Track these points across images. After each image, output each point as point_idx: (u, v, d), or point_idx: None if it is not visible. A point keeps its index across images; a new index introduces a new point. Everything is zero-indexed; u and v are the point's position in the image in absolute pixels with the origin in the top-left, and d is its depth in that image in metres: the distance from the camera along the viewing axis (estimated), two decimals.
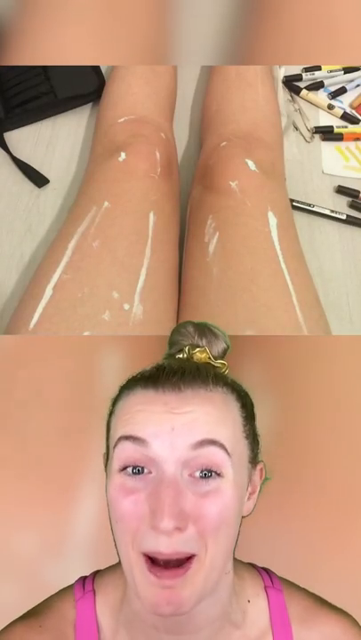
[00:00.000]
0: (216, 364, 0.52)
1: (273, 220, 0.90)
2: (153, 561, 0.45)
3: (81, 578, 0.56)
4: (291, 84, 1.30)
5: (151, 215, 0.90)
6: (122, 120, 1.04)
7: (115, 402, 0.51)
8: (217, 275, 0.86)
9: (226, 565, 0.47)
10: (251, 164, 0.95)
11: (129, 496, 0.45)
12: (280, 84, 1.23)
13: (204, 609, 0.47)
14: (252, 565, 0.57)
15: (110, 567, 0.55)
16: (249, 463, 0.50)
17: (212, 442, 0.45)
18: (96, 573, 0.56)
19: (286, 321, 0.80)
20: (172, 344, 0.54)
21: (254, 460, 0.51)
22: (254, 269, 0.85)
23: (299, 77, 1.31)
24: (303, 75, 1.31)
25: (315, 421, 0.68)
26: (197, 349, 0.52)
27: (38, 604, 0.54)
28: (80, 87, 1.21)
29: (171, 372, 0.48)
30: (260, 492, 0.52)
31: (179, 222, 0.99)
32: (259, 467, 0.52)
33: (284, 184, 1.02)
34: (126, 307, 0.81)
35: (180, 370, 0.48)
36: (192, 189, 1.03)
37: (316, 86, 1.30)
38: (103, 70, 1.24)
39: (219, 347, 0.53)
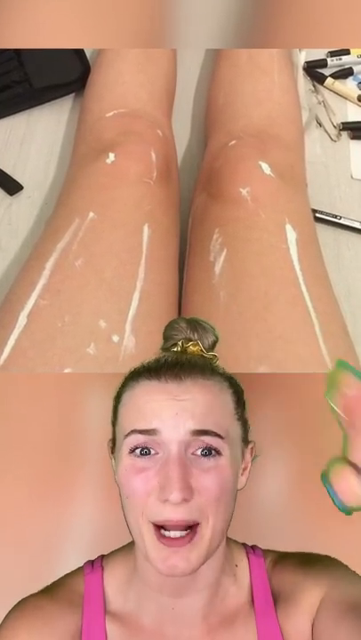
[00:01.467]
0: (208, 356, 0.67)
1: (292, 235, 0.92)
2: (162, 528, 0.59)
3: (89, 561, 0.71)
4: (313, 71, 1.34)
5: (145, 228, 0.93)
6: (110, 114, 1.07)
7: (121, 389, 0.65)
8: (224, 300, 0.88)
9: (226, 532, 0.63)
10: (265, 167, 0.98)
11: (139, 474, 0.60)
12: (300, 72, 1.26)
13: (203, 571, 0.63)
14: (242, 544, 0.73)
15: (117, 550, 0.71)
16: (242, 442, 0.65)
17: (207, 432, 0.59)
18: (103, 556, 0.71)
19: (307, 355, 0.82)
20: (167, 338, 0.68)
21: (246, 439, 0.66)
22: (269, 294, 0.87)
23: (323, 63, 1.34)
24: (328, 60, 1.34)
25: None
26: (190, 343, 0.67)
27: (49, 584, 0.69)
28: (60, 75, 1.24)
29: (172, 363, 0.63)
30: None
31: (178, 237, 1.02)
32: (250, 446, 0.67)
33: (305, 191, 1.05)
34: (115, 338, 0.83)
35: (179, 362, 0.63)
36: (194, 197, 1.05)
37: (344, 74, 1.33)
38: (88, 55, 1.28)
39: (209, 339, 0.68)
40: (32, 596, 0.69)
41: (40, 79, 1.23)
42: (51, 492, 0.84)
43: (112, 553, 0.72)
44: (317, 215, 1.13)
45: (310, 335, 0.85)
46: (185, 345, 0.67)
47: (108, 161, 0.98)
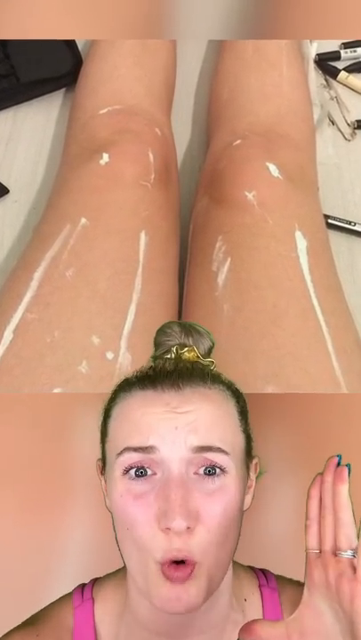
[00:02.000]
0: (205, 363, 0.67)
1: (302, 243, 0.93)
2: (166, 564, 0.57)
3: (79, 585, 0.69)
4: (326, 64, 1.34)
5: (142, 235, 0.93)
6: (104, 111, 1.08)
7: (110, 404, 0.64)
8: (228, 314, 0.88)
9: (230, 562, 0.62)
10: (273, 168, 0.98)
11: (137, 500, 0.58)
12: (311, 65, 1.27)
13: (206, 610, 0.61)
14: (250, 568, 0.71)
15: (109, 574, 0.70)
16: (246, 457, 0.64)
17: (211, 448, 0.58)
18: (95, 581, 0.70)
19: (319, 374, 0.82)
20: (158, 345, 0.69)
21: (250, 454, 0.65)
22: (277, 307, 0.87)
23: (336, 56, 1.35)
24: (342, 52, 1.35)
25: (354, 501, 0.71)
26: (185, 349, 0.67)
27: (36, 613, 0.67)
28: (50, 68, 1.25)
29: (168, 371, 0.62)
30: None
31: (178, 245, 1.02)
32: (254, 461, 0.66)
33: (316, 195, 1.05)
34: (110, 355, 0.83)
35: (177, 368, 0.62)
36: (196, 202, 1.05)
37: (359, 67, 1.33)
38: (80, 46, 1.28)
39: (205, 345, 0.69)
40: (16, 630, 0.66)
41: (28, 73, 1.23)
42: (38, 522, 0.84)
43: (103, 580, 0.71)
44: (330, 221, 1.13)
45: (322, 352, 0.85)
46: (179, 351, 0.67)
47: (102, 162, 0.98)
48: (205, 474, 0.58)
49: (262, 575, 0.70)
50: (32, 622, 0.67)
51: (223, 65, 1.21)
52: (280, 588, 0.69)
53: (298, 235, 0.93)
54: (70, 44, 1.26)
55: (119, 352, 0.83)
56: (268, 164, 0.98)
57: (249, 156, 1.00)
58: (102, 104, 1.09)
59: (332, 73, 1.33)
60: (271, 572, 0.71)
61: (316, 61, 1.33)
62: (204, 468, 0.58)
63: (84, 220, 0.92)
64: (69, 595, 0.70)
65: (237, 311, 0.87)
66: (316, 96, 1.26)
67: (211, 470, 0.58)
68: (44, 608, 0.69)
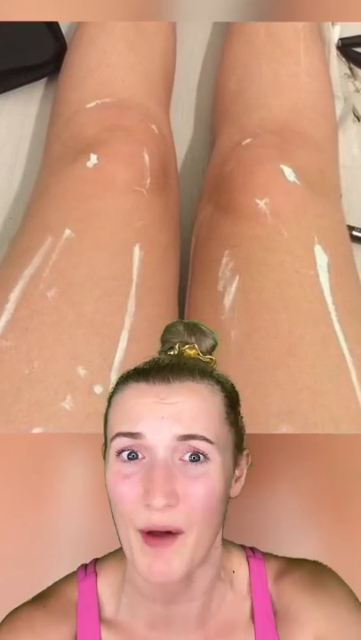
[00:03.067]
0: (204, 359, 0.73)
1: (322, 258, 0.94)
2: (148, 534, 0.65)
3: (83, 564, 0.79)
4: (350, 50, 1.36)
5: (136, 250, 0.94)
6: (92, 104, 1.09)
7: (111, 395, 0.71)
8: (237, 341, 0.89)
9: (214, 541, 0.70)
10: (288, 171, 0.99)
11: (125, 480, 0.66)
12: (333, 51, 1.29)
13: (196, 579, 0.70)
14: (242, 545, 0.80)
15: (110, 553, 0.78)
16: (235, 449, 0.71)
17: (194, 436, 0.66)
18: (97, 560, 0.79)
19: (341, 411, 0.83)
20: (164, 342, 0.75)
21: (240, 446, 0.72)
22: (293, 333, 0.88)
23: None
24: None
25: None
26: (187, 346, 0.73)
27: (42, 590, 0.77)
28: (29, 55, 1.26)
29: (161, 365, 0.69)
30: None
31: (178, 260, 1.03)
32: (245, 452, 0.73)
33: (338, 203, 1.07)
34: (98, 389, 0.84)
35: (169, 364, 0.69)
36: (199, 211, 1.07)
37: None
38: (64, 30, 1.30)
39: (207, 343, 0.75)
40: (24, 606, 0.76)
41: (3, 60, 1.25)
42: (21, 577, 0.85)
43: (105, 557, 0.79)
44: (354, 233, 1.15)
45: (345, 385, 0.85)
46: (181, 348, 0.73)
47: (90, 164, 0.99)
48: (190, 460, 0.66)
49: (250, 550, 0.79)
50: (39, 597, 0.76)
51: (230, 51, 1.23)
52: (266, 561, 0.78)
53: (317, 249, 0.94)
54: (53, 28, 1.28)
55: (109, 385, 0.83)
56: (282, 166, 0.99)
57: (260, 157, 1.01)
58: (90, 96, 1.10)
59: (357, 60, 1.34)
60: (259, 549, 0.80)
61: (338, 47, 1.34)
62: (189, 454, 0.66)
63: (68, 232, 0.93)
64: (73, 573, 0.78)
65: (247, 338, 0.88)
66: (339, 87, 1.28)
67: (195, 457, 0.66)
68: (50, 586, 0.78)
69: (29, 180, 1.16)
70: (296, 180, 0.99)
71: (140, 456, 0.66)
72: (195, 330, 0.75)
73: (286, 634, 0.74)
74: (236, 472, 0.72)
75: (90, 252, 0.92)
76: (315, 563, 0.79)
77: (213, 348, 0.75)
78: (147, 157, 1.01)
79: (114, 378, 0.85)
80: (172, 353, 0.73)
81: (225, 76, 1.21)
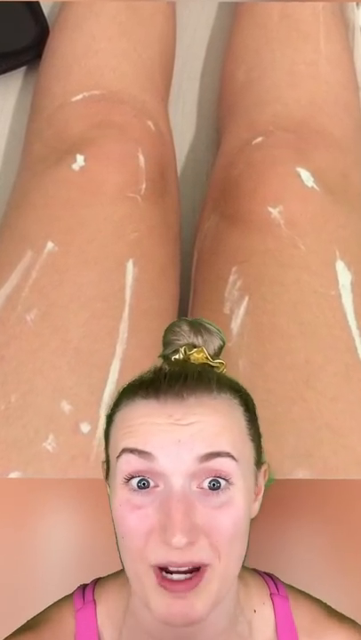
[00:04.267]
0: (214, 364, 0.74)
1: (345, 276, 0.95)
2: (163, 570, 0.66)
3: (81, 586, 0.80)
4: None
5: (130, 266, 0.96)
6: (78, 97, 1.11)
7: (113, 409, 0.72)
8: (246, 372, 0.90)
9: (237, 574, 0.71)
10: (306, 175, 1.02)
11: (135, 511, 0.67)
12: (359, 36, 1.31)
13: (211, 620, 0.70)
14: (255, 571, 0.82)
15: (112, 575, 0.80)
16: (254, 466, 0.73)
17: (219, 454, 0.67)
18: (97, 581, 0.80)
19: None
20: (167, 344, 0.77)
21: (259, 461, 0.74)
22: (311, 363, 0.89)
23: None
24: None
25: None
26: (194, 350, 0.75)
27: (36, 616, 0.78)
28: (5, 40, 1.28)
29: (172, 378, 0.70)
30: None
31: (178, 278, 1.05)
32: (263, 468, 0.75)
33: None
34: (85, 428, 0.86)
35: (181, 376, 0.70)
36: (202, 221, 1.08)
37: None
38: (46, 11, 1.31)
39: (215, 344, 0.76)
40: (15, 635, 0.76)
41: None
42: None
43: (106, 580, 0.81)
44: None
45: None
46: (188, 352, 0.74)
47: (76, 166, 1.01)
48: (210, 488, 0.67)
49: (271, 582, 0.81)
50: (32, 626, 0.77)
51: (239, 36, 1.25)
52: (292, 599, 0.80)
53: (339, 265, 0.96)
54: (33, 8, 1.30)
55: (98, 423, 0.86)
56: (299, 169, 1.01)
57: (274, 158, 1.03)
58: (76, 88, 1.12)
59: None
60: (278, 577, 0.82)
61: None
62: (208, 480, 0.67)
63: (50, 245, 0.95)
64: (70, 597, 0.79)
65: (258, 368, 0.90)
66: None
67: (215, 484, 0.67)
68: (44, 611, 0.79)
69: (6, 185, 1.17)
70: (315, 185, 1.00)
71: (151, 484, 0.67)
72: (200, 329, 0.76)
73: None
74: (255, 489, 0.74)
75: (76, 269, 0.93)
76: (352, 624, 0.79)
77: (221, 348, 0.76)
78: (142, 159, 1.03)
79: (103, 414, 0.83)
80: (177, 357, 0.75)
81: (233, 64, 1.23)
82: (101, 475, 0.75)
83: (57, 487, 0.80)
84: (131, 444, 0.68)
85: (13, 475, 0.81)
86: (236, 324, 0.93)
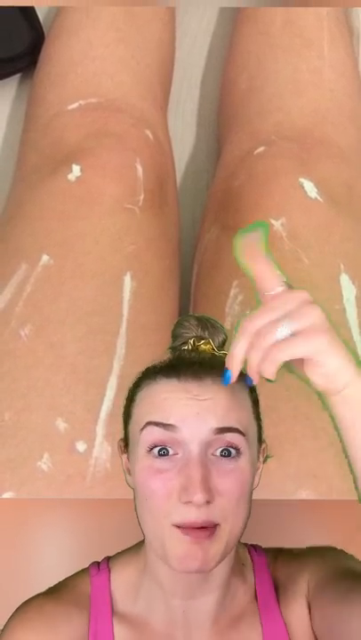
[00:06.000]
0: (219, 355, 0.79)
1: (349, 290, 0.94)
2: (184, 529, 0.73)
3: (94, 562, 0.84)
4: None
5: (127, 280, 0.95)
6: (74, 106, 1.10)
7: (134, 389, 0.78)
8: None
9: (243, 531, 0.76)
10: (309, 186, 1.01)
11: (158, 475, 0.73)
12: None
13: (216, 572, 0.76)
14: (243, 544, 0.88)
15: (123, 551, 0.85)
16: (257, 442, 0.79)
17: (231, 429, 0.73)
18: (109, 558, 0.85)
19: None
20: (176, 336, 0.81)
21: (260, 439, 0.80)
22: None
23: None
24: None
25: None
26: (202, 341, 0.80)
27: (54, 585, 0.83)
28: (1, 46, 1.27)
29: (190, 362, 0.77)
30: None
31: (178, 292, 1.04)
32: (263, 446, 0.80)
33: None
34: (81, 447, 0.84)
35: (197, 360, 0.77)
36: (203, 232, 1.08)
37: None
38: (41, 17, 1.31)
39: (219, 338, 0.81)
40: (36, 597, 0.82)
41: None
42: None
43: (118, 554, 0.85)
44: None
45: None
46: (196, 343, 0.80)
47: (72, 176, 1.00)
48: (222, 455, 0.73)
49: (251, 547, 0.87)
50: (52, 590, 0.83)
51: (241, 43, 1.24)
52: (266, 552, 0.86)
53: (344, 279, 0.95)
54: (28, 15, 1.29)
55: (94, 442, 0.85)
56: (302, 180, 1.01)
57: (276, 169, 1.02)
58: (72, 96, 1.11)
59: None
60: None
61: None
62: (221, 449, 0.73)
63: (45, 258, 0.94)
64: (86, 569, 0.84)
65: (260, 385, 0.86)
66: None
67: (227, 452, 0.73)
68: (62, 580, 0.84)
69: (1, 196, 1.16)
70: (318, 197, 1.00)
71: (171, 452, 0.73)
72: (207, 324, 0.81)
73: (286, 605, 0.82)
74: (257, 464, 0.79)
75: (72, 283, 0.93)
76: (312, 546, 0.86)
77: (224, 342, 0.81)
78: (140, 169, 1.02)
79: (100, 433, 0.85)
80: (186, 348, 0.80)
81: (234, 71, 1.22)
82: (98, 495, 0.79)
83: (52, 508, 0.78)
84: (156, 417, 0.74)
85: (7, 495, 0.80)
86: None
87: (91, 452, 0.84)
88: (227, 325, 0.91)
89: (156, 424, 0.73)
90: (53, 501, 0.77)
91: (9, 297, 0.91)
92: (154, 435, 0.73)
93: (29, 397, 0.86)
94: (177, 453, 0.72)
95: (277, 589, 0.83)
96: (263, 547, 0.88)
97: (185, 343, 0.79)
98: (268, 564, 0.85)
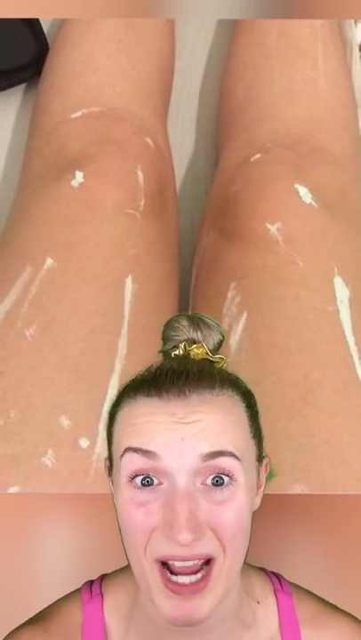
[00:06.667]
0: (214, 360, 0.76)
1: (343, 292, 0.96)
2: (166, 566, 0.69)
3: (88, 581, 0.82)
4: None
5: (128, 282, 0.97)
6: (77, 114, 1.12)
7: (115, 407, 0.74)
8: None
9: (240, 568, 0.72)
10: (304, 192, 1.02)
11: (140, 508, 0.69)
12: (356, 53, 1.32)
13: (216, 614, 0.70)
14: (262, 569, 0.84)
15: (119, 570, 0.82)
16: (256, 461, 0.74)
17: (222, 453, 0.68)
18: (104, 577, 0.82)
19: None
20: (166, 340, 0.78)
21: (260, 456, 0.75)
22: (310, 379, 0.90)
23: None
24: None
25: None
26: (194, 346, 0.76)
27: (43, 609, 0.80)
28: (5, 57, 1.29)
29: (174, 375, 0.71)
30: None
31: (177, 294, 1.05)
32: (264, 462, 0.76)
33: None
34: (84, 443, 0.86)
35: (183, 372, 0.71)
36: (201, 237, 1.09)
37: None
38: (46, 29, 1.32)
39: (214, 339, 0.77)
40: (23, 628, 0.78)
41: None
42: None
43: (113, 575, 0.82)
44: None
45: None
46: (188, 348, 0.76)
47: (75, 183, 1.02)
48: (213, 484, 0.68)
49: (275, 579, 0.83)
50: (40, 618, 0.79)
51: (238, 53, 1.25)
52: (296, 598, 0.81)
53: (337, 281, 0.96)
54: (33, 26, 1.31)
55: (96, 439, 0.86)
56: (297, 186, 1.02)
57: (272, 175, 1.04)
58: (75, 105, 1.13)
59: None
60: (284, 576, 0.84)
61: None
62: (212, 477, 0.68)
63: (50, 261, 0.96)
64: (77, 591, 0.81)
65: (256, 384, 0.86)
66: None
67: (219, 480, 0.68)
68: (52, 604, 0.80)
69: (6, 201, 1.17)
70: (313, 202, 1.01)
71: (155, 482, 0.69)
72: (199, 324, 0.77)
73: None
74: (257, 484, 0.75)
75: (75, 285, 0.94)
76: (352, 619, 0.82)
77: (220, 343, 0.77)
78: (140, 175, 1.03)
79: (102, 429, 0.86)
80: (176, 353, 0.76)
81: (232, 81, 1.24)
82: (100, 490, 0.78)
83: (56, 502, 0.80)
84: (134, 443, 0.69)
85: (12, 490, 0.81)
86: (234, 340, 0.94)
87: (93, 449, 0.85)
88: (224, 326, 0.92)
89: (136, 450, 0.69)
90: (57, 496, 0.78)
91: (14, 298, 0.93)
92: (134, 462, 0.69)
93: (34, 395, 0.87)
94: (161, 483, 0.69)
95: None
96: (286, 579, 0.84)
97: (175, 347, 0.76)
98: (298, 618, 0.80)
